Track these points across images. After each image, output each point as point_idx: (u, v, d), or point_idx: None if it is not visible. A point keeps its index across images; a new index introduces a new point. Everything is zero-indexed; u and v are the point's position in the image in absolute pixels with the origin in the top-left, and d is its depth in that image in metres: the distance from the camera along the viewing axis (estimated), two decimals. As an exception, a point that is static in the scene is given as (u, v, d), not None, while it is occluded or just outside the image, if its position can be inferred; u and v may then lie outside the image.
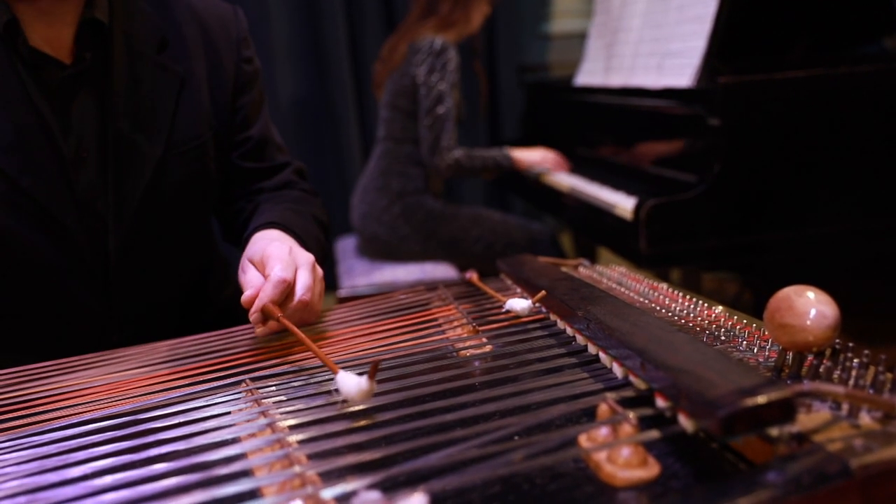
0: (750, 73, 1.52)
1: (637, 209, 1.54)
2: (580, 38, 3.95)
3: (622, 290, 0.92)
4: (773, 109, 1.53)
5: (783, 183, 1.54)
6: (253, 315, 0.78)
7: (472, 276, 1.04)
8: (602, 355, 0.66)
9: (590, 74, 2.33)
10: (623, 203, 1.65)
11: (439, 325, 0.86)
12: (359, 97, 3.00)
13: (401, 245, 2.06)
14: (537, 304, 0.83)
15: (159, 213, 0.95)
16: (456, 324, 0.86)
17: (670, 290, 0.88)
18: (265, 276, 0.80)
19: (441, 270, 2.03)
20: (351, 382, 0.58)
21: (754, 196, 1.53)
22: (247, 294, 0.78)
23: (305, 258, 0.82)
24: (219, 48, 0.99)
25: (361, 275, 2.01)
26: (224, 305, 1.10)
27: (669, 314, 0.79)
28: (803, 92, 1.54)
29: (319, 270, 0.84)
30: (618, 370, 0.62)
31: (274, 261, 0.79)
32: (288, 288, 0.78)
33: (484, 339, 0.78)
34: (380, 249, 2.08)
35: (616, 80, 2.11)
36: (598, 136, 2.17)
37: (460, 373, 0.68)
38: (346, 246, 2.29)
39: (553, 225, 4.24)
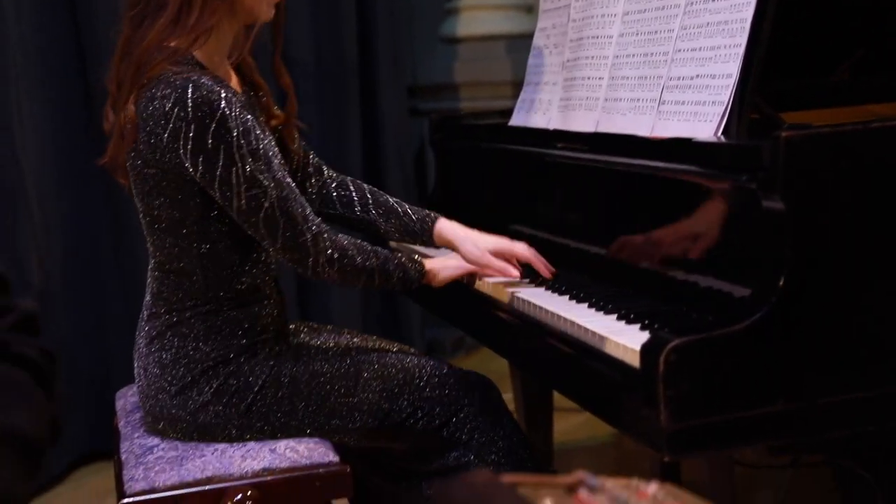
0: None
1: (650, 353, 1.41)
2: (506, 40, 3.91)
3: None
4: (881, 180, 1.48)
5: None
6: None
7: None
8: None
9: (536, 111, 2.29)
10: (621, 337, 1.54)
11: None
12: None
13: (226, 428, 1.86)
14: None
15: None
16: None
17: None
18: None
19: (306, 451, 1.81)
20: None
21: (853, 323, 1.47)
22: None
23: None
24: None
25: (165, 465, 1.77)
26: None
27: None
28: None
29: None
30: None
31: None
32: None
33: None
34: (189, 433, 1.87)
35: (582, 121, 2.06)
36: (557, 213, 2.12)
37: None
38: (133, 405, 2.02)
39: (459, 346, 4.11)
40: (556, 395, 2.78)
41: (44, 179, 2.99)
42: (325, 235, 1.81)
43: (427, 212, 2.06)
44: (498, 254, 1.95)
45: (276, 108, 2.03)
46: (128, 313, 2.98)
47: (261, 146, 1.76)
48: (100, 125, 2.93)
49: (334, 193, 2.12)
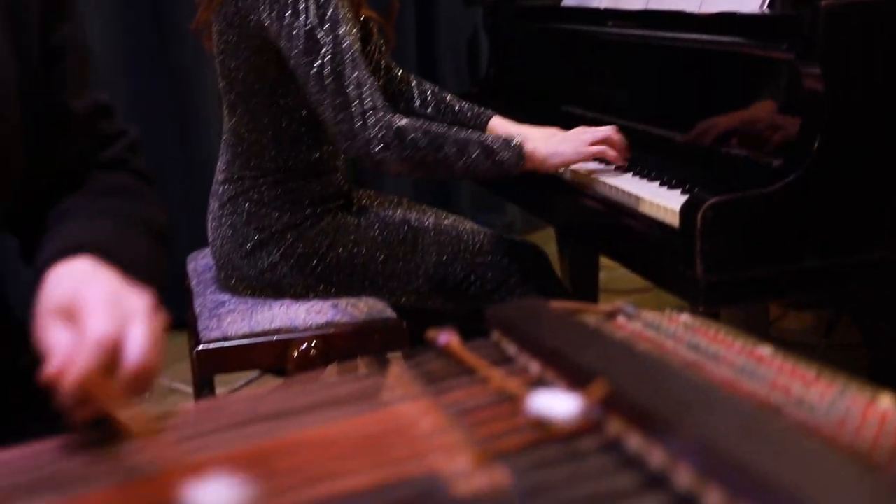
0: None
1: (688, 211, 1.49)
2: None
3: (704, 361, 0.83)
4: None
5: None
6: (67, 396, 0.78)
7: (451, 339, 0.93)
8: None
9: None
10: (662, 199, 1.62)
11: (412, 443, 0.73)
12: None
13: (292, 287, 1.97)
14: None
15: None
16: (438, 441, 0.73)
17: (784, 361, 0.80)
18: (79, 335, 0.81)
19: (365, 307, 1.92)
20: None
21: (879, 186, 1.50)
22: (53, 365, 0.79)
23: (137, 303, 0.86)
24: None
25: (237, 316, 1.89)
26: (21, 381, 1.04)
27: (807, 412, 0.68)
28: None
29: (158, 317, 0.88)
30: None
31: (92, 310, 0.82)
32: (114, 349, 0.81)
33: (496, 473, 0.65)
34: (258, 289, 1.98)
35: (632, -1, 2.09)
36: (606, 91, 2.15)
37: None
38: (204, 266, 2.15)
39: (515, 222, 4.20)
40: (602, 278, 2.88)
41: (110, 61, 3.07)
42: (381, 114, 1.74)
43: (482, 109, 2.12)
44: None
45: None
46: (192, 186, 3.09)
47: (331, 9, 1.75)
48: (161, 9, 3.01)
49: (397, 89, 2.19)
